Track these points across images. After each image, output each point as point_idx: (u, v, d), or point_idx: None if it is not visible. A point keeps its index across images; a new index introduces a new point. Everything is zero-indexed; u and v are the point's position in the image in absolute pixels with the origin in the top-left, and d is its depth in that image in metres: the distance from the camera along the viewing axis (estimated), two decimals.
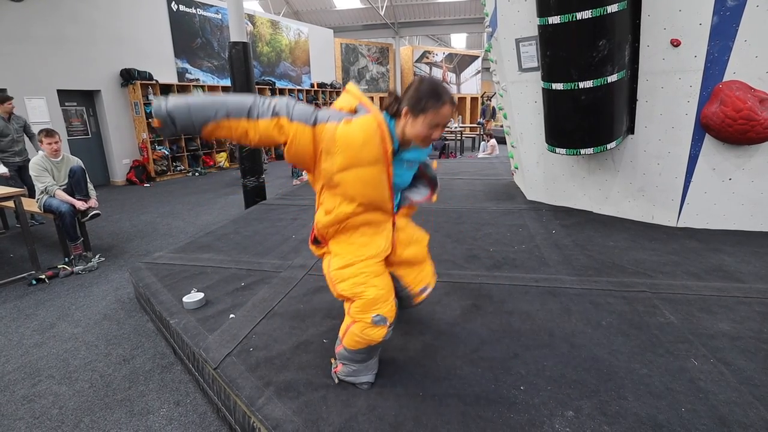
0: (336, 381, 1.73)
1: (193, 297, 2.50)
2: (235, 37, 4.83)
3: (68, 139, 7.33)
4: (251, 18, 10.59)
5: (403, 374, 1.79)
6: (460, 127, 10.89)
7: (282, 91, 11.23)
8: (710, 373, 1.75)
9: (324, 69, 13.12)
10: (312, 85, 12.57)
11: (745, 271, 2.76)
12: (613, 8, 2.98)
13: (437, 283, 2.65)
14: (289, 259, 3.16)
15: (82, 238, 3.93)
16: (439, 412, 1.56)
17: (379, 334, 1.53)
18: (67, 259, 3.83)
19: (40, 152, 3.89)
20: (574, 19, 3.03)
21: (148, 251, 4.22)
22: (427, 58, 16.07)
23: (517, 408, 1.57)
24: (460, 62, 17.08)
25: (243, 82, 4.93)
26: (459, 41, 23.72)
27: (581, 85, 3.22)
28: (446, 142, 10.15)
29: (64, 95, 7.24)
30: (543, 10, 3.19)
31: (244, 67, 4.88)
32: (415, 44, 18.90)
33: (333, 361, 1.79)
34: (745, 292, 2.45)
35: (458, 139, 10.66)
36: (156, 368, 2.39)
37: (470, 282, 2.67)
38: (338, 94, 12.98)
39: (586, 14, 2.99)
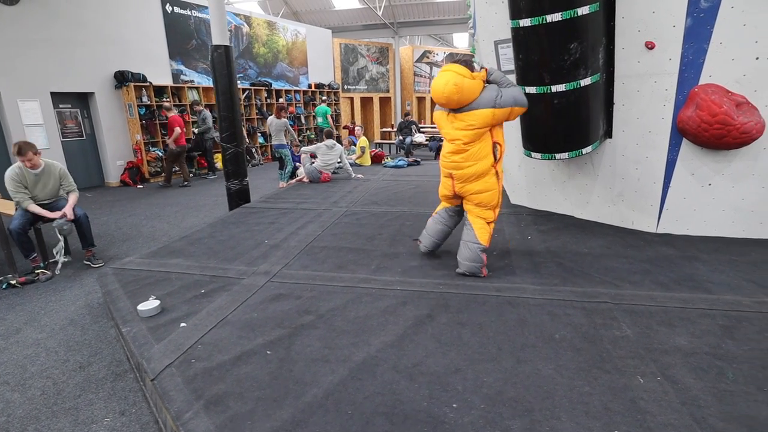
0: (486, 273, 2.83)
1: (149, 305, 2.49)
2: (217, 40, 4.83)
3: (62, 141, 7.41)
4: (247, 19, 10.61)
5: (336, 388, 1.76)
6: None
7: (278, 93, 11.25)
8: (654, 392, 1.69)
9: (322, 69, 13.11)
10: (310, 86, 12.57)
11: (717, 280, 2.67)
12: (584, 11, 2.91)
13: (394, 291, 2.64)
14: (256, 265, 3.14)
15: (35, 254, 3.80)
16: (364, 431, 1.52)
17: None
18: (43, 264, 3.86)
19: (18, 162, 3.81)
20: (544, 21, 2.96)
21: (127, 254, 4.24)
22: (428, 57, 15.98)
23: (444, 428, 1.53)
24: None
25: (226, 86, 4.93)
26: (462, 41, 23.56)
27: (554, 88, 3.14)
28: (441, 143, 10.06)
29: (58, 97, 7.32)
30: (514, 12, 3.12)
31: (227, 71, 4.88)
32: (416, 44, 18.82)
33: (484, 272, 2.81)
34: (711, 304, 2.38)
35: None
36: (109, 376, 2.38)
37: (431, 291, 2.63)
38: (336, 94, 12.97)
39: (556, 17, 2.92)
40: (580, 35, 2.98)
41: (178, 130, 7.45)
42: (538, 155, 3.53)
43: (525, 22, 3.05)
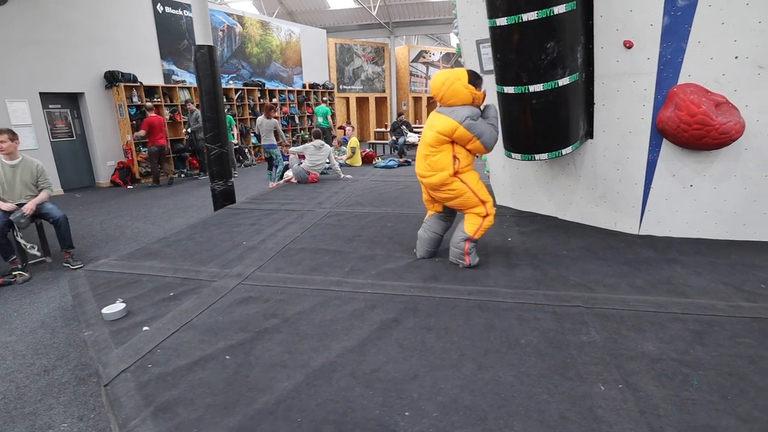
0: (475, 262, 2.91)
1: (114, 308, 2.45)
2: (200, 40, 4.80)
3: (52, 141, 7.40)
4: (240, 19, 10.58)
5: (290, 394, 1.72)
6: None
7: (272, 93, 11.21)
8: (614, 400, 1.64)
9: (317, 69, 13.07)
10: (304, 86, 12.53)
11: (694, 284, 2.62)
12: (560, 9, 2.86)
13: (365, 295, 2.60)
14: (230, 267, 3.11)
15: (14, 256, 3.76)
16: None
17: (493, 221, 2.90)
18: (21, 266, 3.83)
19: None
20: (520, 20, 2.91)
21: (108, 256, 4.21)
22: (424, 57, 15.94)
23: None
24: (458, 62, 16.90)
25: (209, 86, 4.90)
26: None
27: (531, 88, 3.09)
28: None
29: (48, 98, 7.30)
30: (491, 11, 3.08)
31: (210, 71, 4.84)
32: (413, 44, 18.77)
33: (466, 260, 2.90)
34: (684, 308, 2.33)
35: None
36: (73, 380, 2.36)
37: (401, 294, 2.59)
38: (330, 94, 12.94)
39: (532, 16, 2.87)
40: (557, 34, 2.93)
41: (141, 132, 7.60)
42: (518, 156, 3.48)
43: (502, 21, 3.01)
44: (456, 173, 2.78)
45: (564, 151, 3.33)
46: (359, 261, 3.14)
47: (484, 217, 2.85)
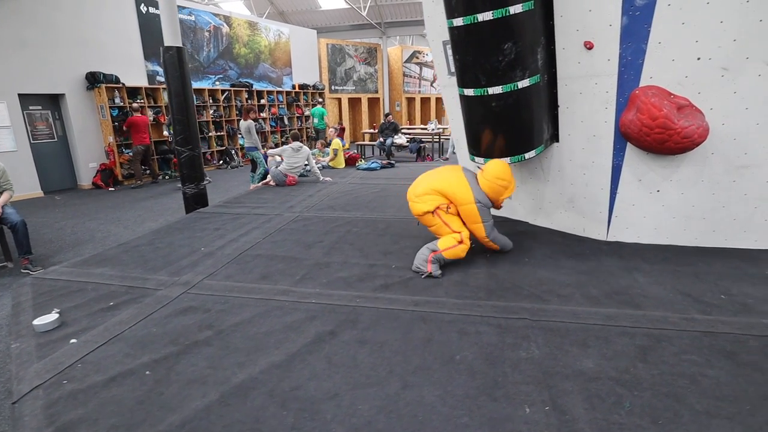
0: (436, 274, 2.83)
1: (45, 319, 2.37)
2: (168, 41, 4.72)
3: (33, 143, 7.34)
4: (227, 19, 10.51)
5: (199, 414, 1.63)
6: (439, 128, 10.63)
7: (260, 93, 11.14)
8: (536, 423, 1.55)
9: (307, 70, 12.99)
10: (293, 87, 12.45)
11: (651, 294, 2.52)
12: (516, 9, 2.77)
13: (308, 305, 2.52)
14: (180, 275, 3.02)
15: None
16: None
17: (465, 252, 2.90)
18: None
19: None
20: (475, 20, 2.82)
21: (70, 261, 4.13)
22: (417, 58, 15.84)
23: None
24: None
25: (179, 88, 4.82)
26: None
27: (490, 90, 3.00)
28: (422, 144, 9.90)
29: (28, 99, 7.24)
30: (449, 11, 3.00)
31: (179, 73, 4.76)
32: (408, 44, 18.66)
33: (428, 267, 2.85)
34: (635, 321, 2.23)
35: (435, 142, 10.40)
36: (2, 393, 2.27)
37: (346, 304, 2.50)
38: (321, 95, 12.85)
39: (488, 16, 2.78)
40: (515, 35, 2.84)
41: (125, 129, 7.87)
42: (481, 160, 3.39)
43: (458, 22, 2.92)
44: (437, 209, 2.91)
45: (527, 155, 3.24)
46: (313, 268, 3.05)
47: (459, 242, 2.88)
